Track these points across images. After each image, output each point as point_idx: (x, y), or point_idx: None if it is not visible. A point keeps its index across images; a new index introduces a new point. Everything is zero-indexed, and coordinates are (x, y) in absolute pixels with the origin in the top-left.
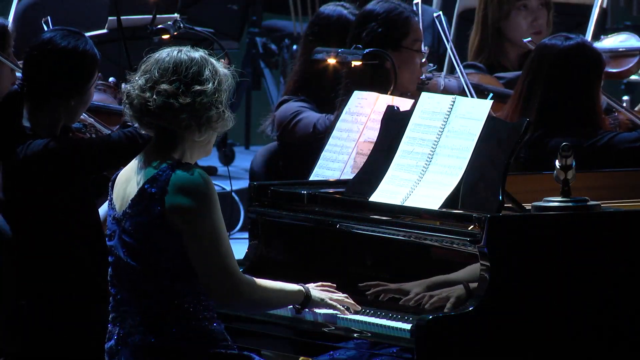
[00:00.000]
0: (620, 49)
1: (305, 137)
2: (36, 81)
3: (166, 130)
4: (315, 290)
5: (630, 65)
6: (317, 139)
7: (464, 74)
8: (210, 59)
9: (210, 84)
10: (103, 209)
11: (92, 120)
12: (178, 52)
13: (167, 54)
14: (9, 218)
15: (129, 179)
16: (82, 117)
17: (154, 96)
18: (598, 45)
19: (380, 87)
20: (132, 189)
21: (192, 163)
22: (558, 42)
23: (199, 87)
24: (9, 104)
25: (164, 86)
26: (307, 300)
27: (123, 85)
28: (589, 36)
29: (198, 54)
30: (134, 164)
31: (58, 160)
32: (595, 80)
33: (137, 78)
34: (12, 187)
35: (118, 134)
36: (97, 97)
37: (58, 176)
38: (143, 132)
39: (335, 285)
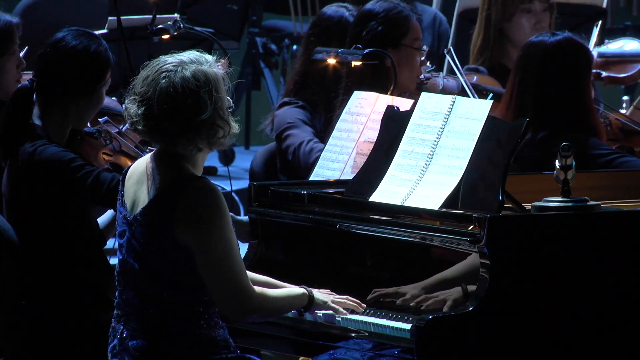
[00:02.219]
0: (625, 55)
1: (286, 157)
2: (46, 79)
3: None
4: (318, 292)
5: (635, 70)
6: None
7: (465, 77)
8: (202, 69)
9: (209, 108)
10: (103, 218)
11: (106, 126)
12: (174, 76)
13: (163, 79)
14: (11, 216)
15: (140, 181)
16: (101, 125)
17: (159, 135)
18: (603, 49)
19: (380, 86)
20: (144, 196)
21: (203, 164)
22: (545, 38)
23: (199, 118)
24: (19, 100)
25: (166, 125)
26: (310, 302)
27: (124, 104)
28: (593, 39)
29: (189, 71)
30: (146, 164)
31: (66, 173)
32: (585, 74)
33: (136, 109)
34: (17, 184)
35: (118, 176)
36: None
37: (61, 187)
38: None
39: (333, 293)
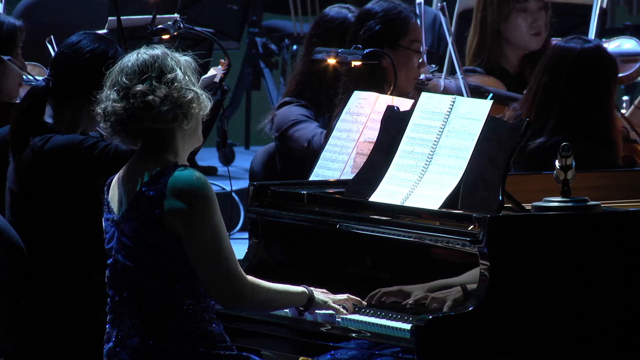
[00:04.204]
0: (623, 54)
1: (299, 150)
2: (63, 80)
3: (155, 131)
4: (318, 292)
5: (632, 70)
6: (309, 153)
7: (462, 73)
8: (170, 51)
9: (178, 70)
10: None
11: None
12: (138, 54)
13: (128, 59)
14: (16, 212)
15: (125, 182)
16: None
17: (132, 100)
18: None
19: (377, 86)
20: (130, 192)
21: (186, 157)
22: (577, 45)
23: (169, 76)
24: (33, 98)
25: (137, 88)
26: (310, 302)
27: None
28: (591, 37)
29: (159, 50)
30: (128, 166)
31: (83, 154)
32: (612, 85)
33: (108, 93)
34: (25, 178)
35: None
36: None
37: (79, 171)
38: None
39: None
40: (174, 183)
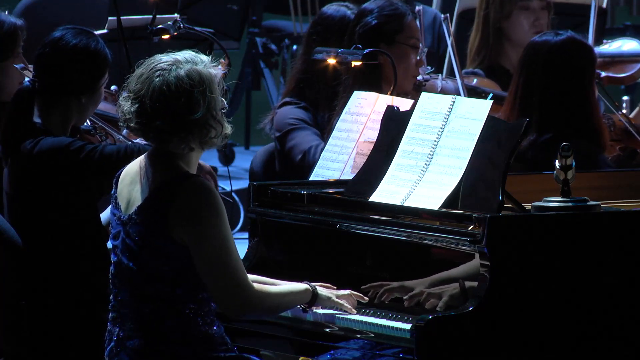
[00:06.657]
0: (624, 54)
1: (292, 159)
2: (48, 78)
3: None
4: (321, 288)
5: (634, 70)
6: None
7: (461, 75)
8: (196, 69)
9: (202, 108)
10: (105, 215)
11: (100, 123)
12: (168, 75)
13: (157, 78)
14: (14, 214)
15: (134, 182)
16: (92, 120)
17: (151, 132)
18: (602, 49)
19: (376, 85)
20: (139, 195)
21: (197, 163)
22: (549, 38)
23: (194, 117)
24: (20, 100)
25: (158, 123)
26: (314, 298)
27: (120, 98)
28: (590, 37)
29: (183, 70)
30: (140, 164)
31: (69, 157)
32: (589, 73)
33: (130, 98)
34: (19, 182)
35: (123, 145)
36: (100, 106)
37: (67, 174)
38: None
39: (335, 287)
40: (182, 193)
